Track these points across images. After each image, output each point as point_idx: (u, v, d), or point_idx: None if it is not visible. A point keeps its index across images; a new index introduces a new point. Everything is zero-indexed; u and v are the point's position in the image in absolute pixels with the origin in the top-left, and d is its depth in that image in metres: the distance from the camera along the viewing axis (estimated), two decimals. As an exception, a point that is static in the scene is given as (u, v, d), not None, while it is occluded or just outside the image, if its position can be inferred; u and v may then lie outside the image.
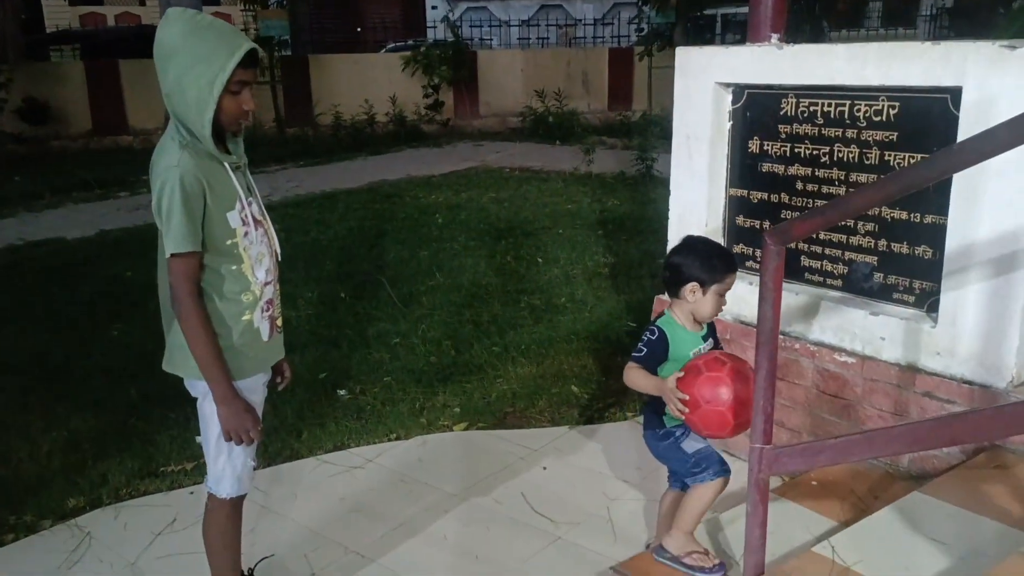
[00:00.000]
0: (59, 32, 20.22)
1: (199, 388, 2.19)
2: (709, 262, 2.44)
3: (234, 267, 2.13)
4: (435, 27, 19.70)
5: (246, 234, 2.14)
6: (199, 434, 3.53)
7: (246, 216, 2.14)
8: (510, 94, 16.40)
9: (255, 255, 2.17)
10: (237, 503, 2.35)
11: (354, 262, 6.56)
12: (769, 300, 1.98)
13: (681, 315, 2.49)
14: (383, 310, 5.40)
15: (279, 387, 2.48)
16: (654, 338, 2.47)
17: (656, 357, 2.47)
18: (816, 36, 14.18)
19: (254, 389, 2.27)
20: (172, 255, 2.03)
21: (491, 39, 23.90)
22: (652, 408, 2.56)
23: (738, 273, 3.33)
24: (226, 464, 2.26)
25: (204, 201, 2.04)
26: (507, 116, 16.08)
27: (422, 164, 11.86)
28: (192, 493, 3.32)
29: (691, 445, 2.49)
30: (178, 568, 2.86)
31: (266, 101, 14.55)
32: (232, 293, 2.14)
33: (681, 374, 2.34)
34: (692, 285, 2.44)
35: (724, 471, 2.46)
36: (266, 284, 2.23)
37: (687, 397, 2.29)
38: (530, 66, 16.90)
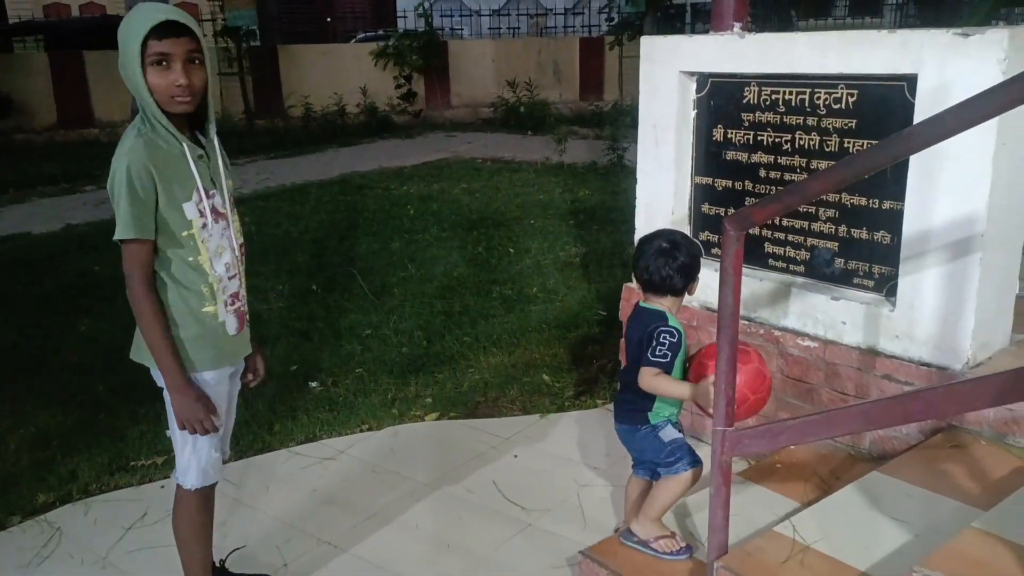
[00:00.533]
0: (22, 23, 19.84)
1: (163, 378, 2.19)
2: (698, 260, 2.50)
3: (191, 258, 2.13)
4: (405, 17, 19.58)
5: (204, 226, 2.14)
6: (169, 428, 3.54)
7: (203, 208, 2.13)
8: (482, 84, 16.38)
9: (214, 248, 2.17)
10: (205, 494, 2.36)
11: (325, 254, 6.54)
12: (730, 284, 2.02)
13: (675, 311, 2.50)
14: (355, 302, 5.40)
15: (251, 384, 2.48)
16: (675, 341, 2.41)
17: (675, 360, 2.43)
18: (784, 26, 14.29)
19: (220, 381, 2.27)
20: (120, 241, 2.05)
21: (462, 29, 23.82)
22: (633, 404, 2.53)
23: (704, 260, 3.39)
24: (191, 455, 2.27)
25: (155, 189, 2.04)
26: (479, 106, 16.05)
27: (394, 155, 11.82)
28: (163, 487, 3.32)
29: (668, 434, 2.50)
30: (149, 562, 2.86)
31: (235, 92, 14.42)
32: (191, 283, 2.15)
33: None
34: (690, 285, 2.50)
35: (697, 462, 2.48)
36: (230, 278, 2.22)
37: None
38: (501, 56, 16.88)
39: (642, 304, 2.54)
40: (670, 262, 2.44)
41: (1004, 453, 2.59)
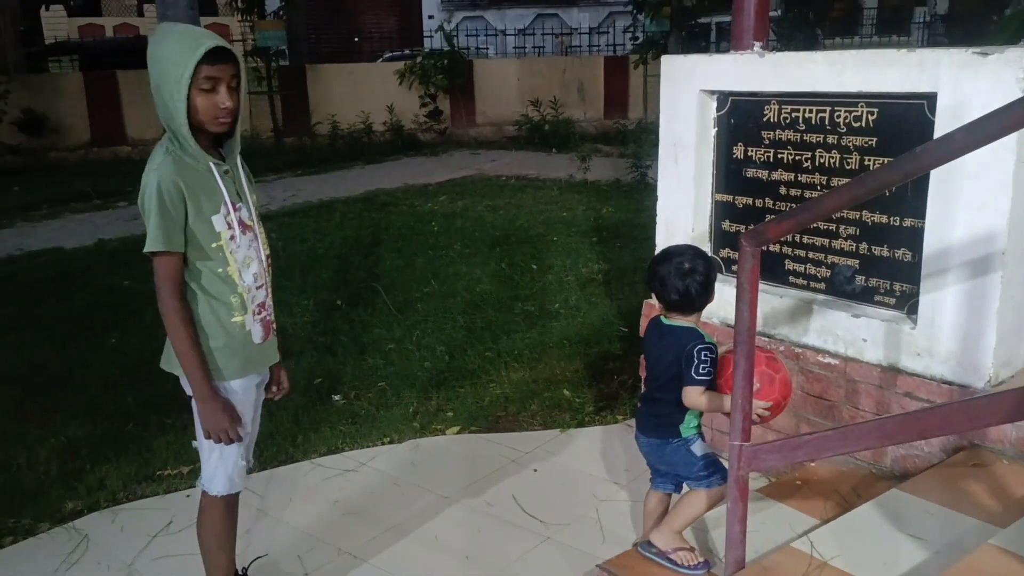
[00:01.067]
0: (57, 43, 20.32)
1: (190, 387, 2.25)
2: (711, 280, 2.52)
3: (220, 269, 2.20)
4: (431, 36, 19.79)
5: (232, 237, 2.21)
6: (195, 439, 3.60)
7: (231, 220, 2.20)
8: (506, 103, 16.49)
9: (242, 259, 2.23)
10: (230, 501, 2.41)
11: (350, 270, 6.62)
12: (746, 300, 2.04)
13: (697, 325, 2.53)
14: (378, 317, 5.46)
15: (275, 398, 2.54)
16: (714, 357, 2.46)
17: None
18: (810, 44, 14.28)
19: (247, 389, 2.33)
20: (151, 254, 2.12)
21: (487, 48, 24.02)
22: (663, 417, 2.54)
23: (725, 277, 3.41)
24: (218, 463, 2.32)
25: (184, 204, 2.11)
26: (504, 124, 16.16)
27: (419, 172, 11.94)
28: (188, 496, 3.37)
29: (700, 448, 2.52)
30: (174, 569, 2.91)
31: (264, 111, 14.64)
32: (220, 294, 2.21)
33: (757, 387, 2.36)
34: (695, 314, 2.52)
35: (727, 478, 2.48)
36: (257, 288, 2.29)
37: (770, 404, 2.40)
38: (526, 75, 16.99)
39: (667, 322, 2.54)
40: (697, 279, 2.46)
41: (1026, 472, 2.57)
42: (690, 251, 2.55)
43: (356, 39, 26.75)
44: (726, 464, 2.28)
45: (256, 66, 14.57)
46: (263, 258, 2.32)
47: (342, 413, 4.08)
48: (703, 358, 2.43)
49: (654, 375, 2.58)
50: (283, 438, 3.82)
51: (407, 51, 21.67)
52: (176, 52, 2.06)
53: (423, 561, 2.92)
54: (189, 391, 2.27)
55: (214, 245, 2.18)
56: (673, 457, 2.57)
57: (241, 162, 2.32)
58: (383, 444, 3.80)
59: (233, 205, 2.21)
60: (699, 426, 2.58)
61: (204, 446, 2.32)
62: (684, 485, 2.61)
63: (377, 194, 10.17)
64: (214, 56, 2.06)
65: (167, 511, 3.27)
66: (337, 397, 4.27)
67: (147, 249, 2.11)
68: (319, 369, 4.62)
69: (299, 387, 4.37)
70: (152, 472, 3.55)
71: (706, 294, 2.49)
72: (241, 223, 2.24)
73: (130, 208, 9.97)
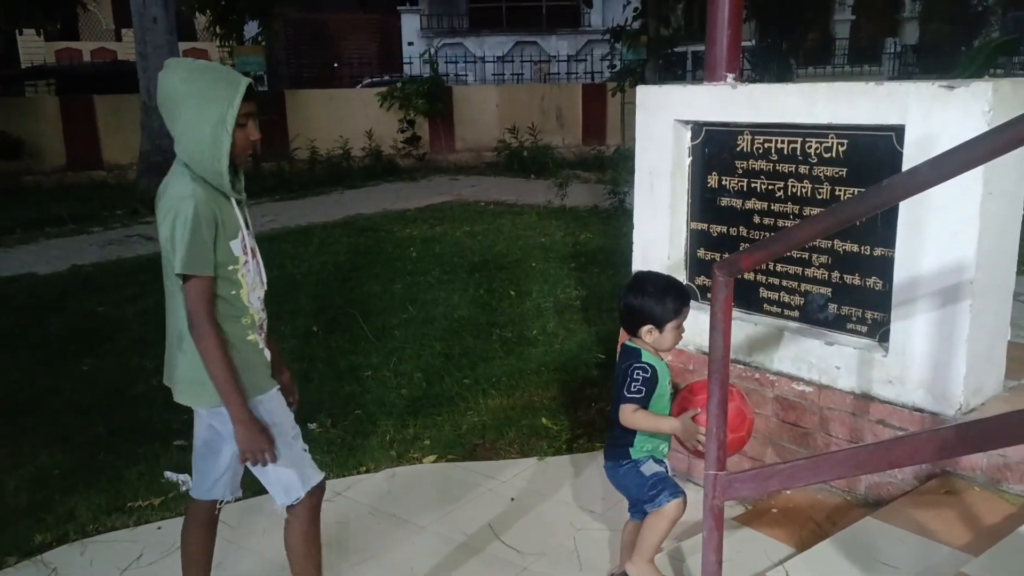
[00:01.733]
0: (34, 67, 20.19)
1: (223, 414, 2.25)
2: (662, 303, 2.52)
3: (234, 292, 2.26)
4: (411, 63, 19.92)
5: (245, 263, 2.27)
6: (168, 469, 3.55)
7: (245, 246, 2.27)
8: (485, 129, 16.59)
9: (251, 283, 2.30)
10: (315, 501, 2.42)
11: (328, 296, 6.60)
12: (720, 329, 2.05)
13: (650, 348, 2.56)
14: (356, 344, 5.43)
15: (292, 407, 2.53)
16: (648, 376, 2.50)
17: (651, 395, 2.52)
18: (783, 74, 14.51)
19: (275, 396, 2.37)
20: (186, 278, 2.14)
21: (467, 75, 24.18)
22: (617, 440, 2.61)
23: (700, 304, 3.43)
24: (290, 467, 2.35)
25: (216, 230, 2.17)
26: (482, 150, 16.25)
27: (398, 198, 11.95)
28: (160, 528, 3.33)
29: (649, 468, 2.55)
30: (144, 603, 2.85)
31: (242, 136, 14.60)
32: (233, 317, 2.26)
33: (699, 411, 2.42)
34: (648, 327, 2.53)
35: (678, 493, 2.50)
36: (261, 309, 2.36)
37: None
38: (505, 101, 17.13)
39: (625, 343, 2.63)
40: (621, 301, 2.58)
41: (997, 499, 2.59)
42: (640, 275, 2.69)
43: (336, 65, 26.83)
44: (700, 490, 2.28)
45: (235, 91, 14.56)
46: (264, 282, 2.39)
47: (318, 441, 4.04)
48: (635, 376, 2.49)
49: (613, 397, 2.62)
50: (257, 467, 3.77)
51: (387, 77, 21.78)
52: (217, 90, 2.11)
53: (398, 592, 2.89)
54: (214, 421, 2.32)
55: (231, 268, 2.23)
56: (625, 480, 2.60)
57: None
58: (359, 473, 3.76)
59: (246, 231, 2.29)
60: (658, 451, 2.59)
61: (261, 469, 2.32)
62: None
63: (356, 219, 10.16)
64: (248, 92, 2.14)
65: (138, 543, 3.22)
66: (313, 425, 4.23)
67: (188, 271, 2.13)
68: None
69: (274, 415, 4.34)
70: (123, 503, 3.49)
71: (630, 317, 2.54)
72: (251, 249, 2.31)
73: (105, 233, 9.89)
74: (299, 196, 12.48)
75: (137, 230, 10.02)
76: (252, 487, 3.61)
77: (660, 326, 2.52)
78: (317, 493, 2.43)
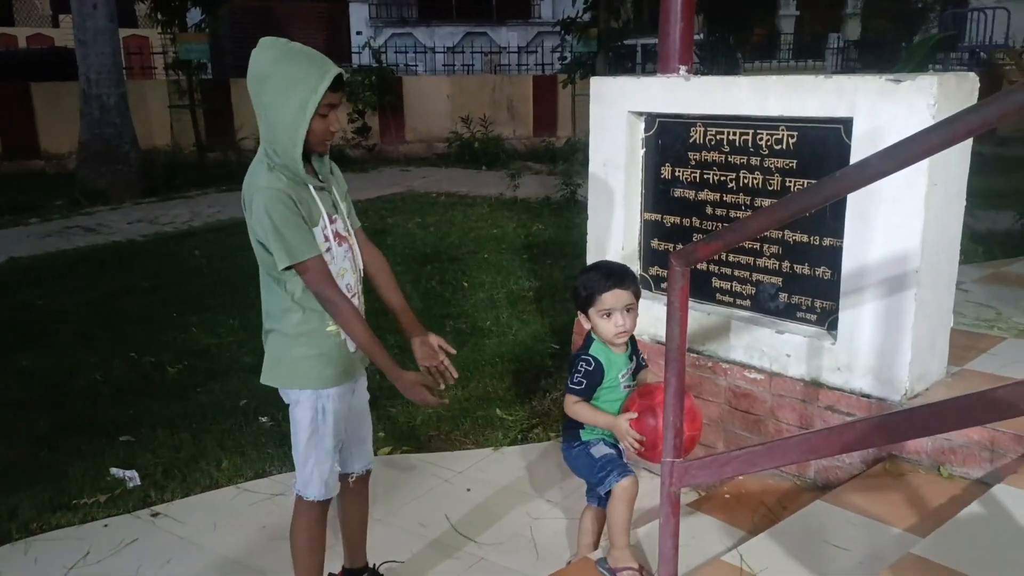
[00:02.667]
0: (-34, 53, 19.43)
1: (291, 396, 2.35)
2: (578, 290, 2.53)
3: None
4: (359, 53, 19.67)
5: (328, 249, 2.26)
6: (114, 466, 3.47)
7: (328, 233, 2.25)
8: (436, 120, 16.48)
9: (337, 270, 2.29)
10: (325, 506, 2.47)
11: (277, 288, 6.48)
12: (676, 319, 2.07)
13: (606, 335, 2.53)
14: (307, 336, 5.35)
15: (444, 376, 2.47)
16: (591, 368, 2.50)
17: (594, 387, 2.52)
18: (731, 67, 14.70)
19: (341, 397, 2.39)
20: (299, 265, 2.17)
21: (416, 65, 24.00)
22: (569, 422, 2.63)
23: (654, 294, 3.46)
24: (314, 468, 2.38)
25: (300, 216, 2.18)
26: (434, 142, 16.15)
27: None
28: (106, 526, 3.24)
29: (599, 451, 2.57)
30: (91, 603, 2.78)
31: (186, 125, 14.28)
32: (315, 305, 2.26)
33: (635, 415, 2.41)
34: (580, 315, 2.56)
35: (627, 472, 2.50)
36: (351, 296, 2.33)
37: (643, 438, 2.38)
38: (456, 92, 17.03)
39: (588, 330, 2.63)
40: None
41: (941, 481, 2.68)
42: (583, 269, 2.71)
43: (283, 53, 26.36)
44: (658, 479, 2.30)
45: (177, 79, 14.22)
46: (359, 268, 2.39)
47: (270, 435, 3.98)
48: (578, 368, 2.51)
49: None
50: (207, 463, 3.70)
51: (335, 67, 21.45)
52: (306, 75, 2.09)
53: (354, 586, 2.86)
54: (287, 400, 2.38)
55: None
56: (576, 462, 2.63)
57: (336, 174, 2.38)
58: (312, 466, 3.71)
59: (329, 217, 2.27)
60: (608, 434, 2.57)
61: (301, 452, 2.38)
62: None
63: (305, 211, 9.99)
64: (336, 81, 2.13)
65: (84, 541, 3.14)
66: (264, 419, 4.16)
67: (296, 260, 2.15)
68: (245, 390, 4.50)
69: (224, 409, 4.26)
70: (68, 501, 3.40)
71: (576, 301, 2.55)
72: (336, 235, 2.29)
73: (43, 224, 9.59)
74: (246, 187, 12.22)
75: (77, 221, 9.73)
76: (201, 483, 3.57)
77: (584, 312, 2.52)
78: (326, 504, 2.48)
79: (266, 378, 2.39)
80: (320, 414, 2.35)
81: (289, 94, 2.09)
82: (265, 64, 2.12)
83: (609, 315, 2.47)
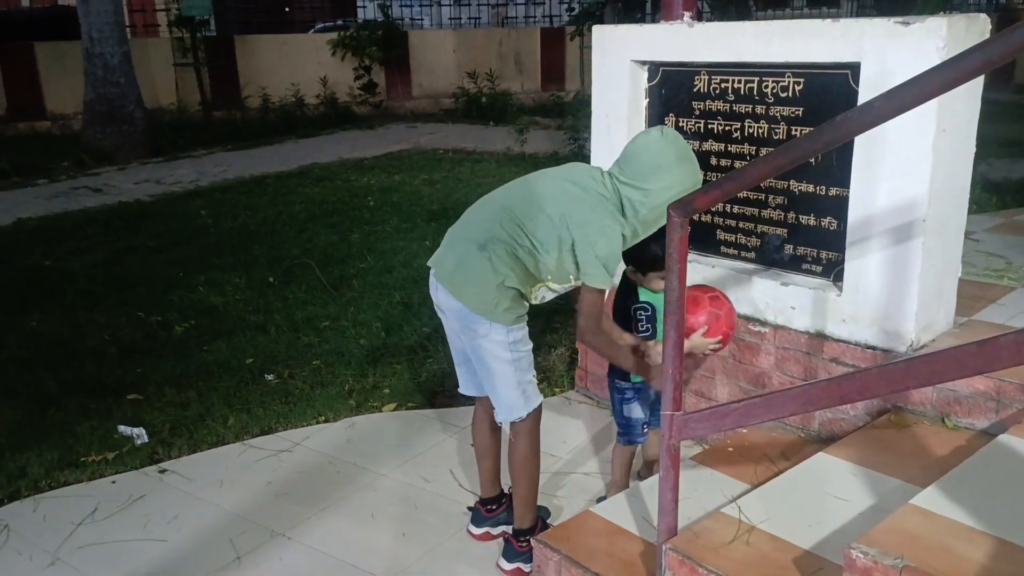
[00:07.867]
0: (-31, 13, 19.26)
1: (483, 326, 2.50)
2: (650, 256, 2.59)
3: (555, 285, 2.58)
4: (365, 7, 19.38)
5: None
6: (122, 424, 3.49)
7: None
8: (443, 75, 16.28)
9: (553, 294, 2.65)
10: (538, 413, 2.65)
11: (283, 246, 6.48)
12: (675, 271, 2.04)
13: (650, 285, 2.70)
14: (313, 294, 5.36)
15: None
16: (650, 314, 2.70)
17: (656, 329, 2.69)
18: (743, 15, 14.39)
19: (526, 329, 2.62)
20: (595, 290, 2.42)
21: (422, 19, 23.63)
22: (618, 373, 2.81)
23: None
24: (515, 389, 2.57)
25: None
26: (440, 97, 15.98)
27: (354, 146, 11.73)
28: (114, 483, 3.28)
29: (629, 410, 2.79)
30: (99, 558, 2.82)
31: (191, 83, 14.18)
32: (531, 291, 2.59)
33: (706, 328, 2.62)
34: (631, 271, 2.68)
35: (633, 440, 2.82)
36: (542, 299, 2.67)
37: (719, 339, 2.64)
38: (463, 46, 16.78)
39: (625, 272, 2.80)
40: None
41: (946, 432, 2.65)
42: None
43: (287, 8, 26.06)
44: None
45: (181, 37, 14.08)
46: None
47: (275, 392, 4.00)
48: (639, 318, 2.72)
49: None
50: (214, 419, 3.73)
51: (340, 21, 21.18)
52: (689, 185, 2.40)
53: (359, 539, 2.89)
54: (475, 326, 2.53)
55: (572, 277, 2.51)
56: (612, 398, 2.85)
57: None
58: (318, 423, 3.74)
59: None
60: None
61: (497, 382, 2.56)
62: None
63: (311, 168, 9.96)
64: None
65: (92, 498, 3.17)
66: (270, 376, 4.18)
67: (599, 286, 2.42)
68: (251, 348, 4.52)
69: (231, 367, 4.28)
70: (75, 458, 3.43)
71: (638, 262, 2.66)
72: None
73: (50, 185, 9.59)
74: (252, 145, 12.18)
75: (84, 182, 9.73)
76: (208, 439, 3.59)
77: (646, 272, 2.65)
78: (536, 414, 2.64)
79: (461, 297, 2.50)
80: (520, 342, 2.56)
81: (672, 195, 2.31)
82: (668, 157, 2.40)
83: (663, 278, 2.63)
